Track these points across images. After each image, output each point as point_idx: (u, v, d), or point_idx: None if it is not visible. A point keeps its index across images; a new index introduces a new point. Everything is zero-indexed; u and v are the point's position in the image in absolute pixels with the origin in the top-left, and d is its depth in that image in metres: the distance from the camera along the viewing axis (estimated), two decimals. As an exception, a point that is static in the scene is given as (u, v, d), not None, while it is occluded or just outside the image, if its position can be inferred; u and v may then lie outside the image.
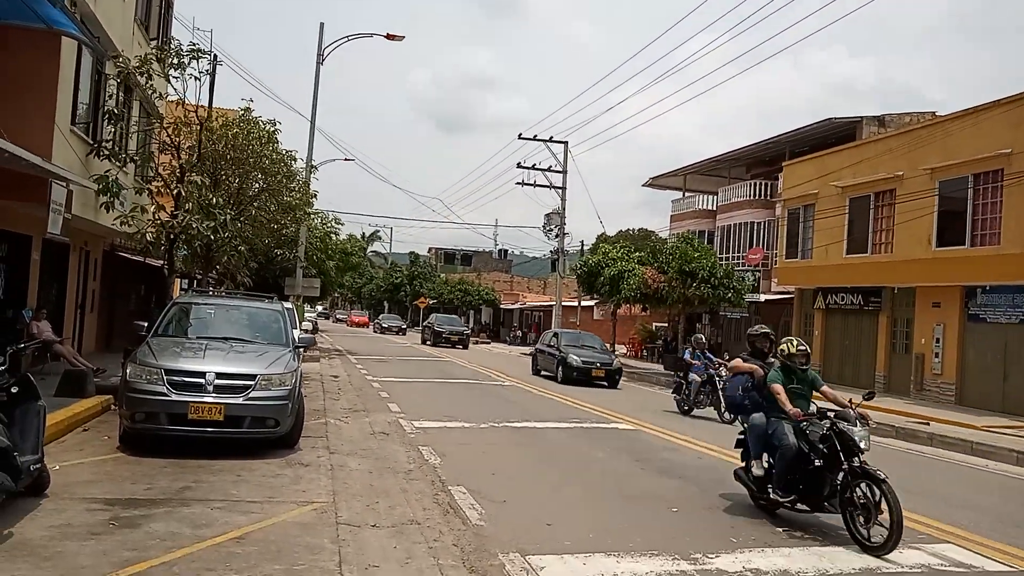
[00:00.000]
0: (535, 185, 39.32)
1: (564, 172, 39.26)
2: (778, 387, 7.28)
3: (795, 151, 30.22)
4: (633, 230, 69.59)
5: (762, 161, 35.30)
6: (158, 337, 9.51)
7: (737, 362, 8.20)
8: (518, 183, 39.39)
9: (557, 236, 39.56)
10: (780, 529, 6.94)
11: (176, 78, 13.93)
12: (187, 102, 14.46)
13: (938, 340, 20.64)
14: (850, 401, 7.23)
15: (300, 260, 24.59)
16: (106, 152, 13.61)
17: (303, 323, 19.49)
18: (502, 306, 60.86)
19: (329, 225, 28.15)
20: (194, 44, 13.73)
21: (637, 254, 28.75)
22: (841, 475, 6.58)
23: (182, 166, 13.86)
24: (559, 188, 39.32)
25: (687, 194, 39.65)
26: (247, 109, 17.88)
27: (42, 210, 10.98)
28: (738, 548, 6.23)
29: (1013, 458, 12.36)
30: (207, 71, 14.67)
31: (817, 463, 6.81)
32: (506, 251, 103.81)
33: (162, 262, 15.45)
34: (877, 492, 6.33)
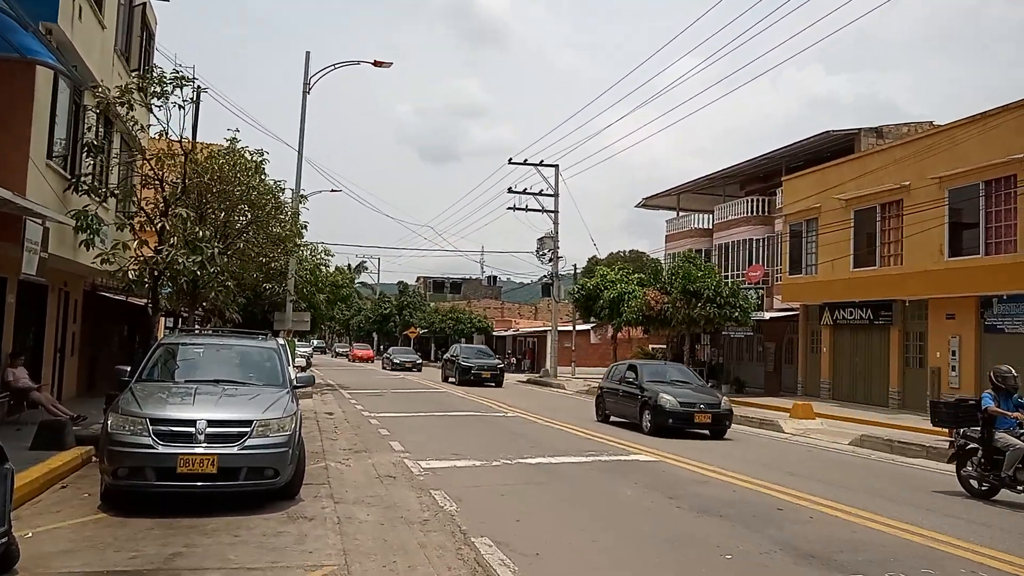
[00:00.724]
0: (527, 209, 38.81)
1: (556, 195, 38.75)
2: None
3: (791, 166, 29.79)
4: (624, 252, 69.14)
5: (756, 177, 34.90)
6: (142, 382, 8.67)
7: None
8: (509, 208, 38.87)
9: (551, 260, 38.91)
10: (852, 576, 6.16)
11: (159, 107, 13.21)
12: (170, 133, 13.72)
13: (954, 353, 20.00)
14: None
15: (290, 293, 23.75)
16: (85, 187, 12.84)
17: (295, 359, 18.61)
18: (495, 333, 59.98)
19: (319, 257, 27.37)
20: (178, 71, 13.01)
21: (636, 276, 28.08)
22: None
23: (166, 199, 13.08)
24: (551, 212, 38.78)
25: (681, 213, 39.17)
26: (233, 139, 17.19)
27: (17, 250, 10.21)
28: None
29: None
30: (191, 99, 13.94)
31: None
32: (495, 278, 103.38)
33: (146, 300, 14.62)
34: None
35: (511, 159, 38.57)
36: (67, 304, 17.02)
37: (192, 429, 7.49)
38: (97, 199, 13.42)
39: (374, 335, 76.82)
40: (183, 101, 13.20)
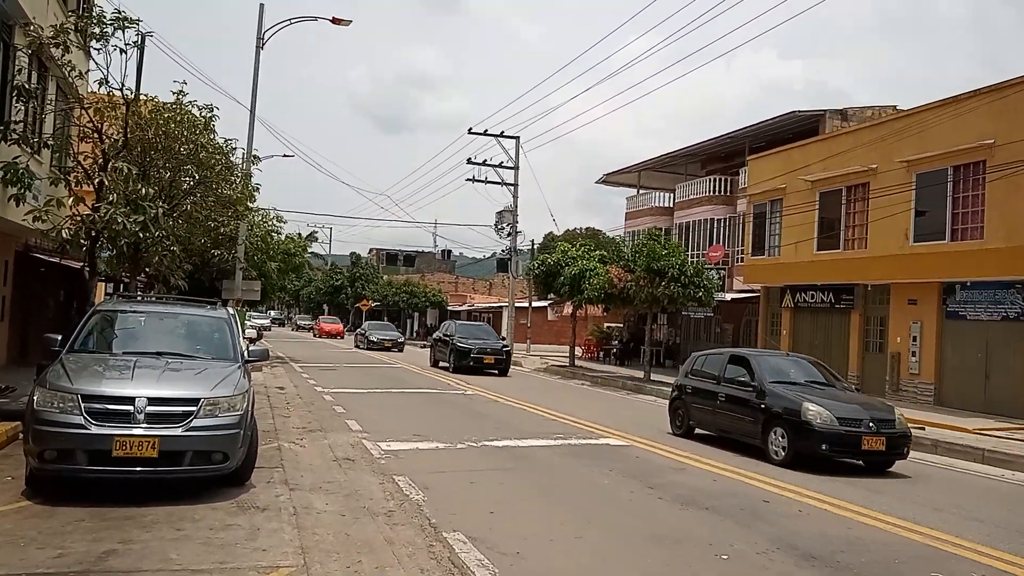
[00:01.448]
0: (486, 182, 37.99)
1: (516, 168, 37.97)
2: None
3: (754, 146, 29.51)
4: (580, 230, 68.73)
5: (718, 157, 34.63)
6: (75, 353, 7.78)
7: None
8: (468, 179, 38.01)
9: (509, 235, 38.23)
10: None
11: (98, 50, 12.06)
12: (111, 80, 12.56)
13: (915, 339, 19.98)
14: None
15: (240, 260, 22.62)
16: (15, 136, 11.67)
17: (246, 331, 17.64)
18: (449, 308, 59.23)
19: (271, 223, 26.18)
20: (120, 11, 11.87)
21: (598, 253, 27.59)
22: None
23: (104, 151, 11.99)
24: (511, 185, 38.04)
25: (642, 191, 38.79)
26: (180, 93, 16.01)
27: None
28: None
29: (1034, 467, 11.48)
30: (134, 44, 12.78)
31: None
32: (449, 252, 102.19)
33: (82, 263, 13.53)
34: None
35: (471, 129, 37.62)
36: (-5, 265, 15.78)
37: (130, 407, 6.69)
38: (29, 150, 12.27)
39: (324, 307, 75.34)
40: (125, 45, 12.06)
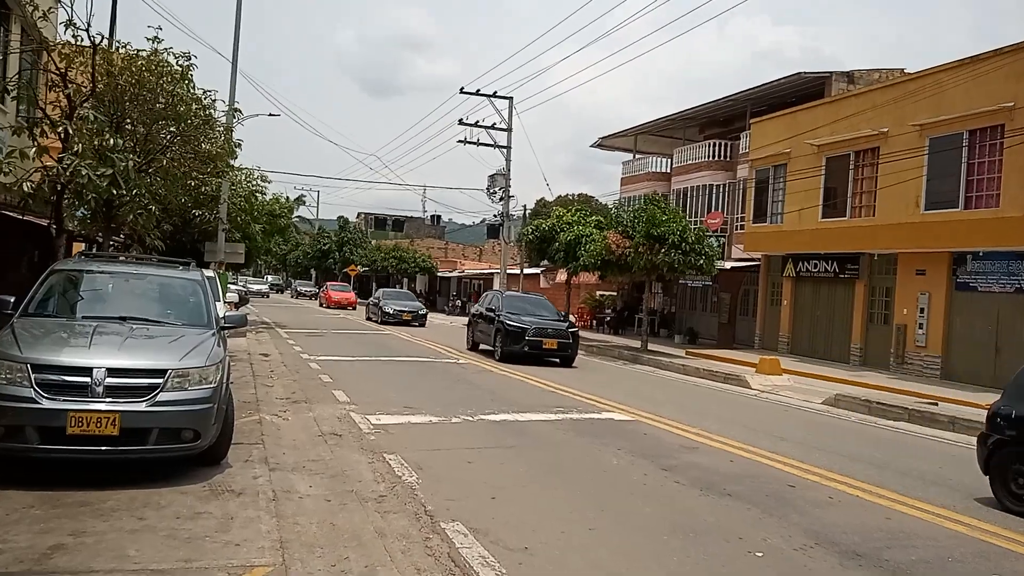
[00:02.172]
0: (478, 143, 36.87)
1: (509, 130, 36.83)
2: None
3: (755, 111, 28.65)
4: (572, 196, 67.78)
5: (717, 121, 33.75)
6: (28, 318, 6.96)
7: None
8: (460, 141, 36.88)
9: (502, 199, 37.28)
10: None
11: (62, -12, 11.04)
12: (76, 21, 11.55)
13: (922, 310, 19.37)
14: None
15: (222, 221, 21.67)
16: (-28, 81, 10.72)
17: (227, 296, 16.79)
18: (439, 274, 58.37)
19: (255, 183, 25.13)
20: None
21: (594, 218, 26.77)
22: None
23: (70, 98, 11.03)
24: (504, 147, 37.00)
25: (638, 156, 37.87)
26: (155, 39, 14.95)
27: None
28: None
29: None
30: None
31: None
32: (439, 217, 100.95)
33: (48, 220, 12.61)
34: None
35: (463, 88, 36.36)
36: (-41, 222, 14.80)
37: (87, 379, 5.90)
38: (-11, 97, 11.30)
39: (312, 272, 74.29)
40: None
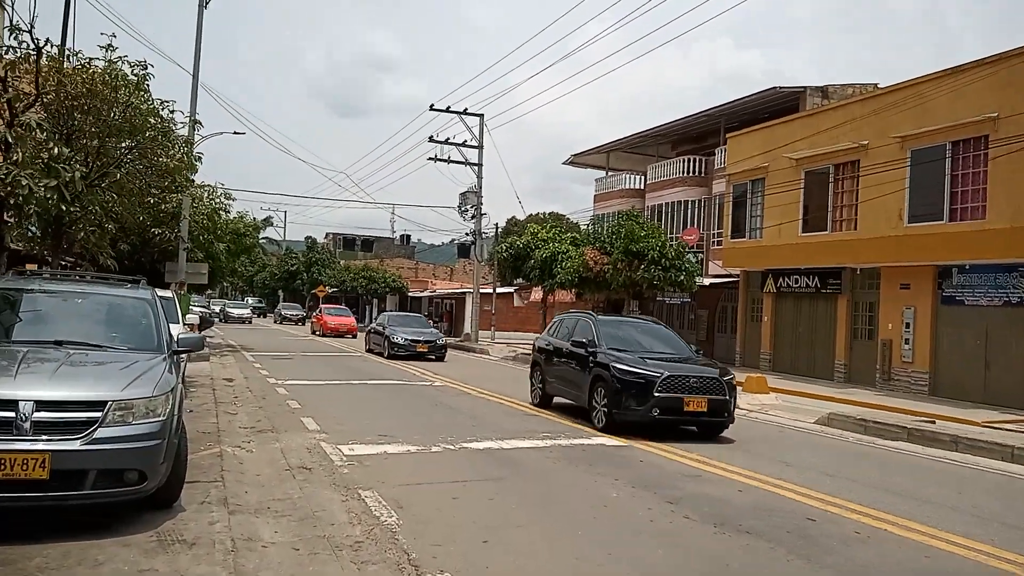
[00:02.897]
0: (449, 161, 36.25)
1: (480, 147, 36.31)
2: None
3: (729, 126, 28.40)
4: (544, 214, 67.33)
5: (690, 138, 33.51)
6: (-52, 342, 6.08)
7: None
8: (431, 158, 36.22)
9: (473, 216, 36.62)
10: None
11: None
12: (22, 25, 10.68)
13: (908, 325, 18.98)
14: None
15: (183, 240, 20.68)
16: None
17: (187, 317, 15.79)
18: (410, 294, 57.42)
19: (217, 200, 24.13)
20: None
21: (569, 235, 26.21)
22: None
23: (9, 102, 10.13)
24: (475, 164, 36.39)
25: (611, 173, 37.50)
26: (109, 47, 14.09)
27: None
28: None
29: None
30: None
31: None
32: (408, 237, 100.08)
33: (-11, 238, 11.63)
34: None
35: (432, 105, 35.82)
36: None
37: (11, 414, 5.06)
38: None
39: (280, 293, 72.84)
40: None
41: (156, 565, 4.78)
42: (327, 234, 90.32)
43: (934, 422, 13.44)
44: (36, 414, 5.09)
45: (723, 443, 10.83)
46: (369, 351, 26.88)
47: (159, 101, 14.95)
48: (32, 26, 10.80)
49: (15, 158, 9.36)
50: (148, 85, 14.49)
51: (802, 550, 5.80)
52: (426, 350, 24.16)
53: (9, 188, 9.27)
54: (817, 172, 21.36)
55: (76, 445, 5.14)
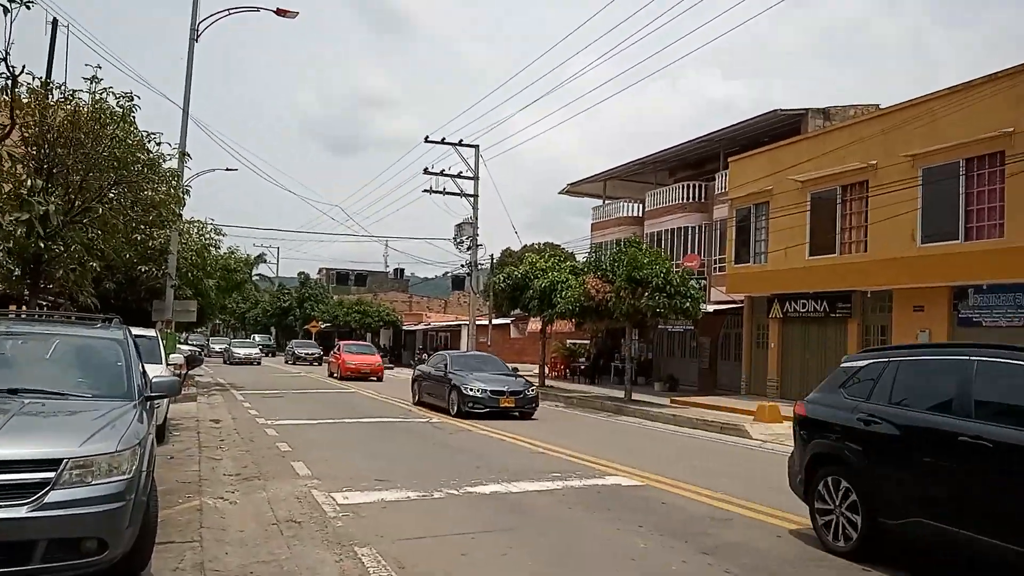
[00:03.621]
0: (444, 192, 35.78)
1: (476, 178, 35.86)
2: None
3: (728, 151, 27.94)
4: (539, 244, 66.83)
5: (688, 164, 33.04)
6: None
7: None
8: (426, 190, 35.73)
9: (469, 248, 36.04)
10: None
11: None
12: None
13: (924, 349, 18.26)
14: None
15: (170, 277, 19.96)
16: None
17: (171, 357, 14.97)
18: (404, 327, 56.63)
19: (207, 236, 23.47)
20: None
21: (568, 264, 25.58)
22: None
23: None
24: (471, 196, 35.90)
25: (609, 201, 37.01)
26: (94, 78, 13.53)
27: None
28: None
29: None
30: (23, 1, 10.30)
31: None
32: (402, 270, 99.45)
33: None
34: None
35: (427, 137, 35.44)
36: None
37: (-55, 476, 4.30)
38: None
39: (272, 329, 71.99)
40: (8, 3, 9.60)
41: (114, 654, 4.01)
42: (320, 269, 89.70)
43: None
44: (-23, 475, 4.35)
45: (742, 479, 10.07)
46: (421, 403, 19.62)
47: (146, 133, 14.39)
48: (7, 52, 10.18)
49: (-20, 189, 8.69)
50: (134, 117, 13.95)
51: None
52: (511, 404, 16.78)
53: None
54: (824, 194, 20.82)
55: (23, 512, 4.38)
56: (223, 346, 51.53)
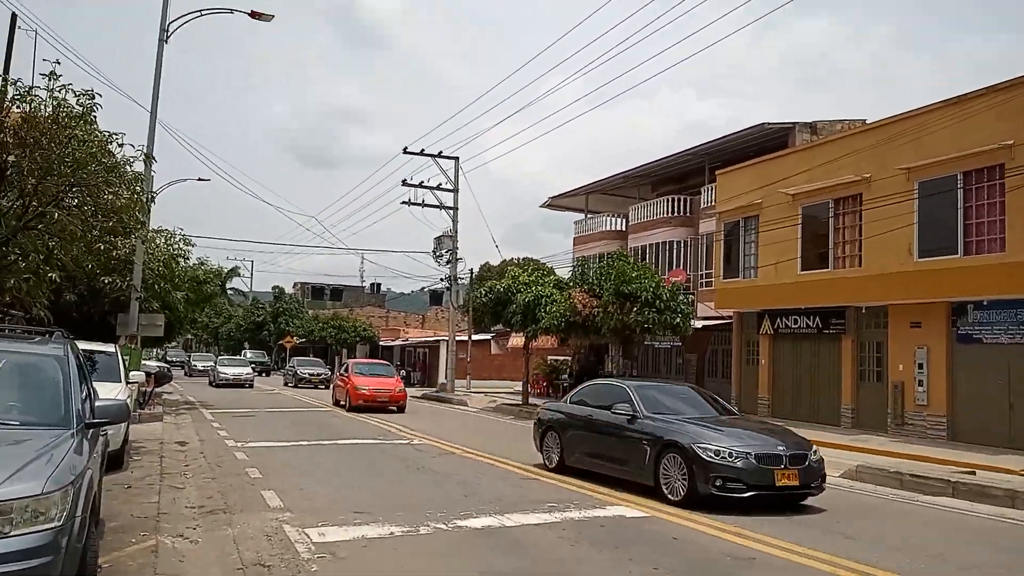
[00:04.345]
0: (423, 204, 35.03)
1: (456, 190, 35.16)
2: None
3: (712, 165, 27.51)
4: (518, 259, 66.18)
5: (671, 178, 32.61)
6: None
7: None
8: (404, 202, 34.94)
9: (448, 261, 35.23)
10: None
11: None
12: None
13: (921, 366, 17.75)
14: None
15: (135, 289, 18.91)
16: None
17: (132, 375, 13.90)
18: (381, 343, 55.56)
19: (175, 246, 22.39)
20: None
21: (553, 278, 24.88)
22: None
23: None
24: (450, 208, 35.15)
25: (591, 215, 36.44)
26: (52, 75, 12.62)
27: None
28: None
29: None
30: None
31: None
32: (379, 285, 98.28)
33: None
34: None
35: (406, 148, 34.75)
36: None
37: None
38: None
39: (246, 344, 70.49)
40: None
41: None
42: (295, 284, 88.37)
43: (974, 473, 12.08)
44: None
45: (760, 510, 9.31)
46: (567, 470, 11.54)
47: (107, 134, 13.45)
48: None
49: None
50: (95, 117, 13.03)
51: None
52: (794, 482, 9.33)
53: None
54: (816, 207, 20.31)
55: (-83, 573, 3.52)
56: (206, 364, 45.80)
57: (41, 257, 12.72)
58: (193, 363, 50.58)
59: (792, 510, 9.25)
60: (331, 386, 29.26)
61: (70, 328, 21.21)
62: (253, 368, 39.74)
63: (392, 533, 7.51)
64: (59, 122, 12.32)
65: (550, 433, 12.00)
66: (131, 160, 14.01)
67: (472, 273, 45.00)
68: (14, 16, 16.60)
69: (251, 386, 35.83)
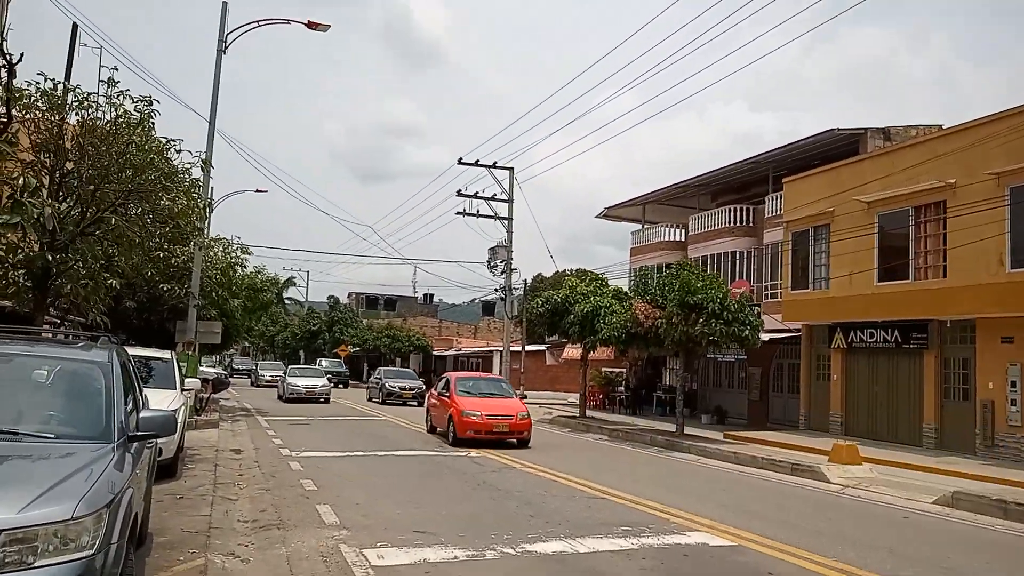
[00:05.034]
0: (478, 215, 34.62)
1: (510, 201, 34.66)
2: None
3: (776, 174, 26.45)
4: (571, 270, 65.49)
5: (731, 188, 31.55)
6: None
7: None
8: (459, 213, 34.58)
9: (503, 272, 34.73)
10: None
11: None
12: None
13: (1013, 384, 16.51)
14: None
15: (193, 296, 18.83)
16: None
17: (187, 382, 13.65)
18: (435, 353, 55.33)
19: (233, 255, 22.36)
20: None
21: (611, 288, 24.12)
22: None
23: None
24: (505, 219, 34.68)
25: (648, 226, 35.56)
26: (111, 80, 12.49)
27: None
28: None
29: None
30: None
31: None
32: (432, 295, 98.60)
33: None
34: None
35: (461, 159, 34.36)
36: None
37: None
38: None
39: (301, 352, 71.10)
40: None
41: None
42: (349, 293, 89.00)
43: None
44: None
45: (845, 539, 8.47)
46: None
47: (164, 140, 13.28)
48: (4, 38, 9.10)
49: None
50: (153, 123, 12.87)
51: None
52: None
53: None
54: (894, 215, 19.19)
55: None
56: (275, 373, 40.79)
57: (100, 263, 12.58)
58: (261, 372, 45.20)
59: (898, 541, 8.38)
60: (425, 405, 22.58)
61: (130, 334, 21.33)
62: (329, 379, 35.08)
63: (456, 557, 6.94)
64: (117, 128, 12.21)
65: None
66: (188, 167, 13.89)
67: (526, 284, 44.49)
68: (75, 26, 16.65)
69: (327, 400, 31.58)
